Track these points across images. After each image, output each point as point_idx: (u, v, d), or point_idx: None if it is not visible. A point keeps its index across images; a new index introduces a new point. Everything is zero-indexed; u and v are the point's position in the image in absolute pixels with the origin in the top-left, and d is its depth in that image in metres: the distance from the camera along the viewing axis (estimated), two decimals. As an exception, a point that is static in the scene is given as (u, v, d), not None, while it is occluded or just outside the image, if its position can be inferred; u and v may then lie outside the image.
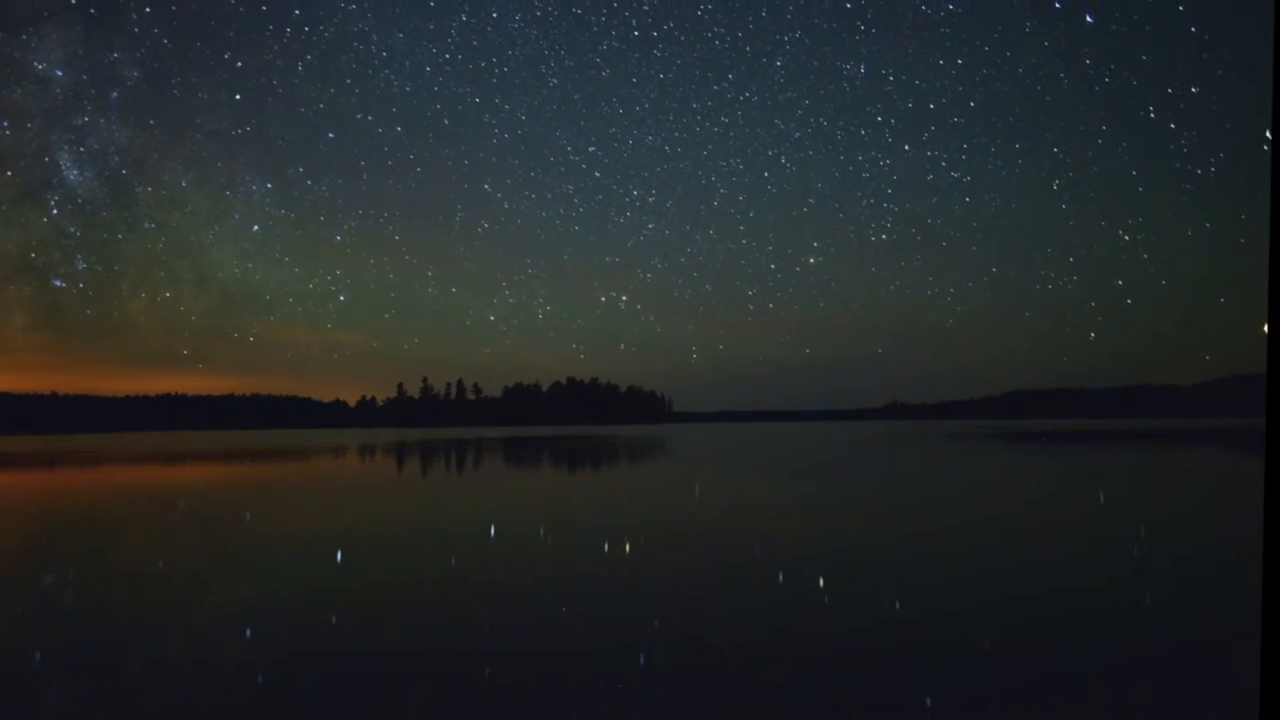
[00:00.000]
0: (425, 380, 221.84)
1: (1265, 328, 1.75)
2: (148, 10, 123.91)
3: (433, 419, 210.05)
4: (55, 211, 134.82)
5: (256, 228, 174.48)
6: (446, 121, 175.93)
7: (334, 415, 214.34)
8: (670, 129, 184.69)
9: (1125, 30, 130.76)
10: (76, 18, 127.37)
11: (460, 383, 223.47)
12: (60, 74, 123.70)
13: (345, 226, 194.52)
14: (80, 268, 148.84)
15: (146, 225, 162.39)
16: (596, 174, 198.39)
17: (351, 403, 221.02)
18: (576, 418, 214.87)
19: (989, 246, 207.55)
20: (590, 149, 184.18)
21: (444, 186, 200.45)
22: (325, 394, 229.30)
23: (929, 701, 6.06)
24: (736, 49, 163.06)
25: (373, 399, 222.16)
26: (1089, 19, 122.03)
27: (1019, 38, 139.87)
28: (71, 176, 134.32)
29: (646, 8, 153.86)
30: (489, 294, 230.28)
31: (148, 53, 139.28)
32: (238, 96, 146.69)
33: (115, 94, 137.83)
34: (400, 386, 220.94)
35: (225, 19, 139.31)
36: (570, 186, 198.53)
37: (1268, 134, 1.78)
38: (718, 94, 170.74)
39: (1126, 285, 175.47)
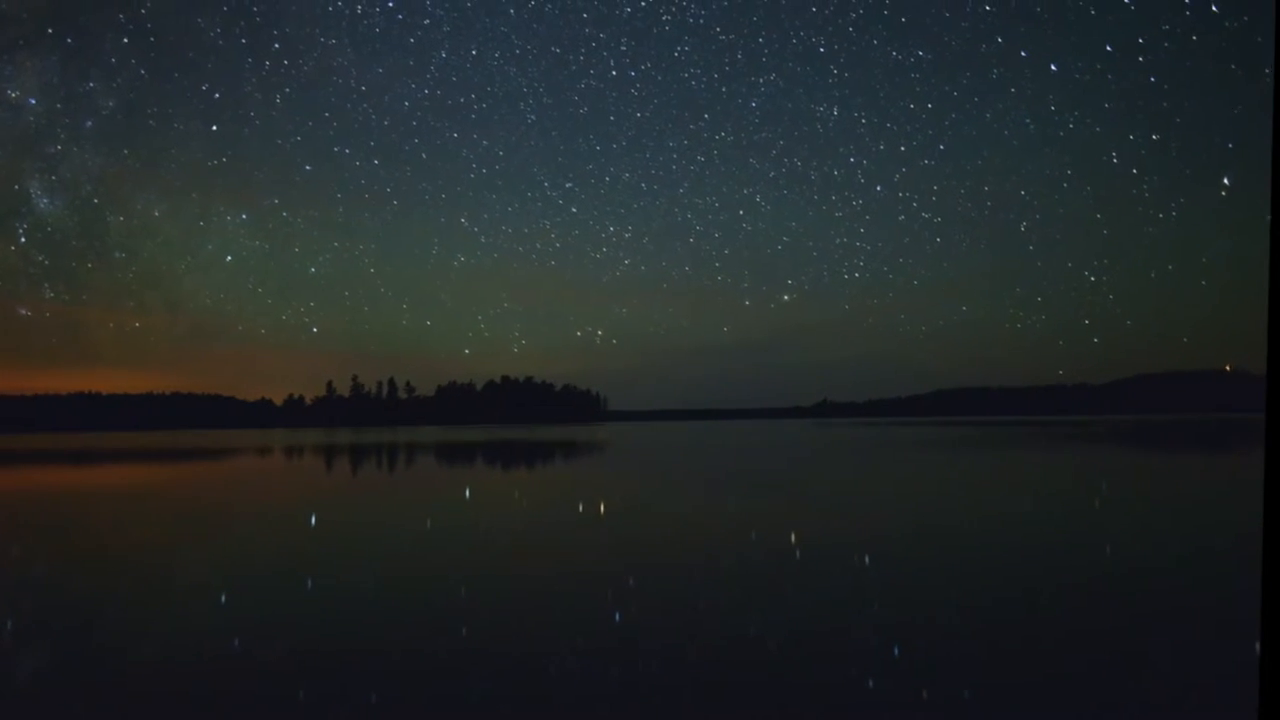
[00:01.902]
0: (355, 378, 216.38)
1: (1266, 328, 1.74)
2: (125, 41, 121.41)
3: (363, 418, 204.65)
4: (24, 240, 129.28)
5: (230, 258, 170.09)
6: (424, 155, 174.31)
7: (259, 415, 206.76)
8: (647, 166, 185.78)
9: (1088, 79, 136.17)
10: (53, 47, 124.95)
11: (392, 381, 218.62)
12: (33, 102, 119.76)
13: (320, 258, 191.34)
14: (48, 296, 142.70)
15: (117, 255, 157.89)
16: (573, 209, 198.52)
17: (278, 401, 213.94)
18: (510, 417, 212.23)
19: (960, 286, 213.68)
20: (567, 185, 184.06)
21: (420, 220, 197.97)
22: (250, 392, 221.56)
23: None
24: (713, 89, 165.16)
25: (300, 398, 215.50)
26: (1053, 68, 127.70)
27: (986, 84, 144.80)
28: (42, 205, 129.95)
29: (625, 48, 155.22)
30: (464, 327, 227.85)
31: (124, 83, 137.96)
32: (214, 128, 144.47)
33: (89, 123, 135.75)
34: (329, 385, 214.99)
35: (204, 51, 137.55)
36: (547, 221, 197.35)
37: (1269, 138, 1.77)
38: (694, 133, 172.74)
39: (1093, 325, 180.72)
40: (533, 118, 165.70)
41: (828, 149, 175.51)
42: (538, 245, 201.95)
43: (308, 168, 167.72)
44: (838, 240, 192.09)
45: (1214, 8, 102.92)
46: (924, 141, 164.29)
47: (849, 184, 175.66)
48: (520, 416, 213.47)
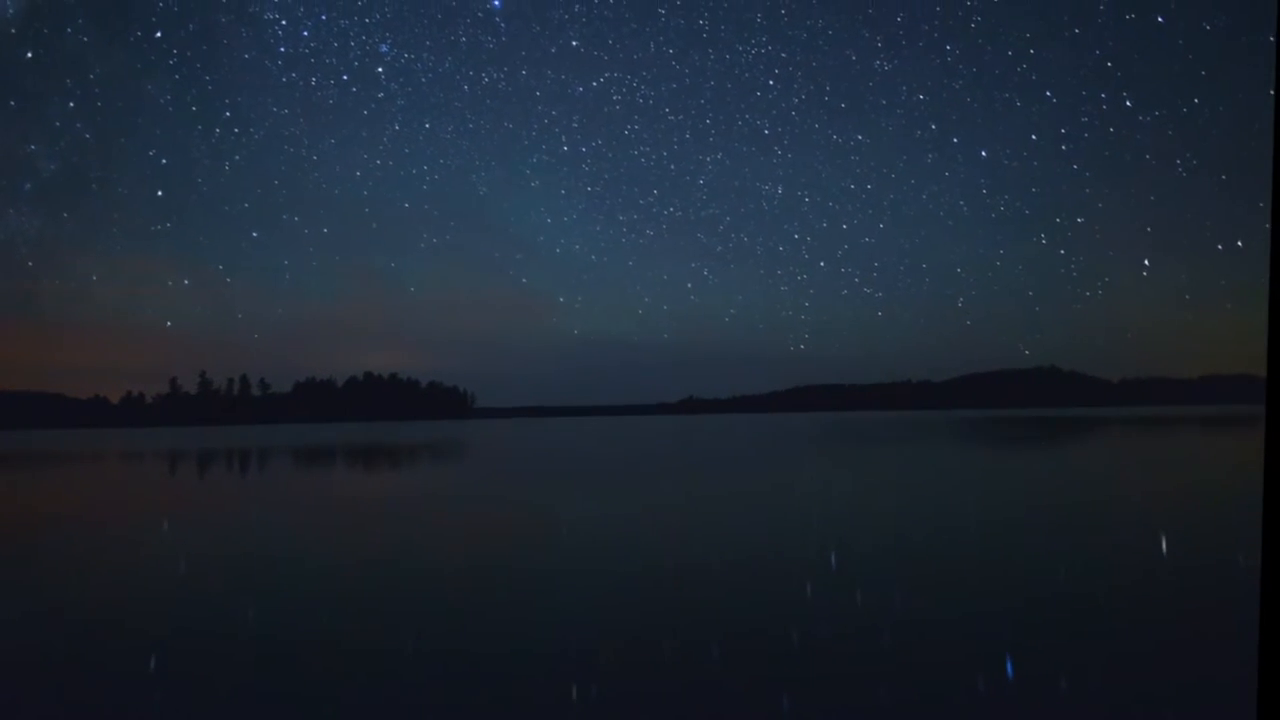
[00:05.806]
0: (204, 374, 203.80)
1: (1266, 328, 1.72)
2: (71, 105, 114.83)
3: (213, 417, 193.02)
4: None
5: (169, 323, 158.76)
6: (375, 225, 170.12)
7: (92, 414, 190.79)
8: (597, 239, 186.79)
9: (1016, 165, 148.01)
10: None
11: (244, 378, 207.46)
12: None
13: (265, 324, 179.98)
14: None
15: (49, 318, 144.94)
16: (524, 280, 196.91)
17: (114, 399, 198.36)
18: (373, 414, 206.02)
19: (902, 359, 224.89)
20: (518, 256, 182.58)
21: (368, 288, 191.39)
22: (81, 389, 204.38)
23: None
24: (661, 167, 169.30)
25: (140, 395, 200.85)
26: (983, 154, 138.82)
27: (922, 167, 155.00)
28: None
29: (576, 124, 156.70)
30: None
31: (68, 146, 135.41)
32: (160, 193, 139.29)
33: (28, 186, 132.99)
34: (174, 382, 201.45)
35: (153, 116, 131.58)
36: (498, 291, 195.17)
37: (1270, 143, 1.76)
38: (643, 208, 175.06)
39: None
40: (484, 190, 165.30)
41: (773, 225, 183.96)
42: (488, 315, 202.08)
43: (255, 234, 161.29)
44: (783, 313, 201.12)
45: (1128, 103, 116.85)
46: (864, 220, 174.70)
47: (794, 259, 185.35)
48: (385, 414, 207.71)
